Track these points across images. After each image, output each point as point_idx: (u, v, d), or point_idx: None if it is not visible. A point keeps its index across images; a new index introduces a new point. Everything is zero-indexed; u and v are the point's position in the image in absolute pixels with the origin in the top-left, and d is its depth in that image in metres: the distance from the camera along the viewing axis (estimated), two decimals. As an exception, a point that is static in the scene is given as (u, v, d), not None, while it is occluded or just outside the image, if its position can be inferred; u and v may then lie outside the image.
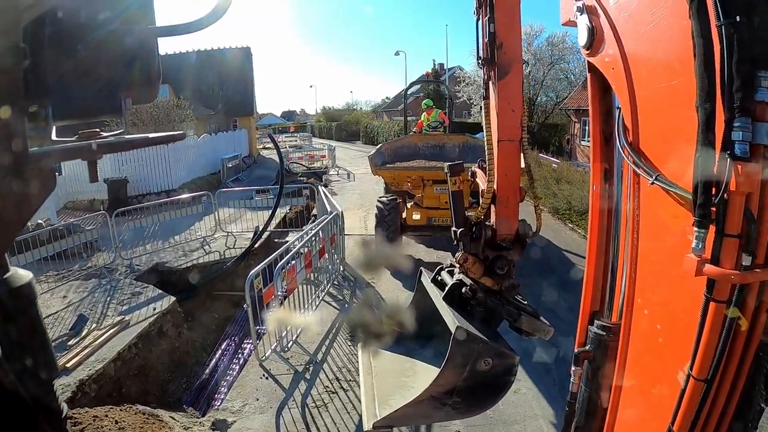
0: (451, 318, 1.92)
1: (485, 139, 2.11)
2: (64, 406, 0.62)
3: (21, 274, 0.58)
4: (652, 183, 1.33)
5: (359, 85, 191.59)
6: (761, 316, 1.10)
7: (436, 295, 2.15)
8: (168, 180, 15.39)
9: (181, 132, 0.93)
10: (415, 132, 10.31)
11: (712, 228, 1.08)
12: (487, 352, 1.81)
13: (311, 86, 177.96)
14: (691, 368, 1.17)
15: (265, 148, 34.18)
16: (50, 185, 0.56)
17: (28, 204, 0.55)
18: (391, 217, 7.87)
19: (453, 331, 1.82)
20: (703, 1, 1.04)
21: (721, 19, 0.99)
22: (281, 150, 12.58)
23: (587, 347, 1.83)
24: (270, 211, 10.14)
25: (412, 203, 8.08)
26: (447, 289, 2.08)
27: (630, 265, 1.60)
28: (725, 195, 1.04)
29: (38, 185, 0.54)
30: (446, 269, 2.26)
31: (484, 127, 2.15)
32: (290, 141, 36.78)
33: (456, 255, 2.13)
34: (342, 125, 49.66)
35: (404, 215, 8.06)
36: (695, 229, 1.09)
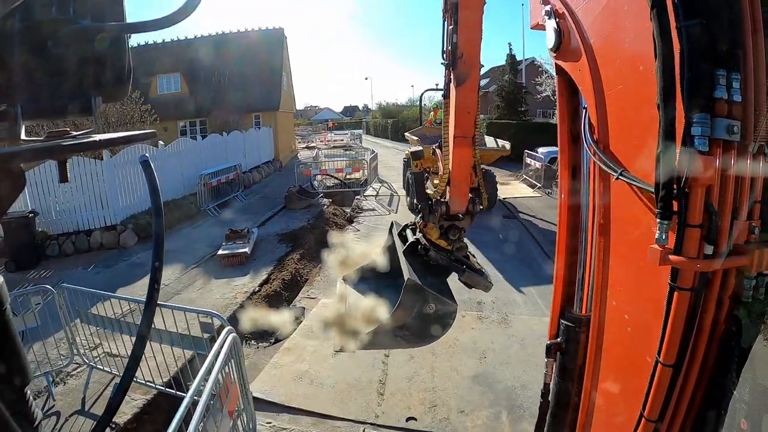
0: (406, 269, 2.32)
1: (442, 134, 2.43)
2: (38, 413, 0.59)
3: None
4: (617, 178, 1.39)
5: (421, 80, 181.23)
6: (724, 303, 1.17)
7: (400, 248, 2.60)
8: (104, 212, 9.85)
9: (153, 130, 0.90)
10: (426, 125, 15.13)
11: (675, 220, 1.13)
12: (431, 299, 2.22)
13: (366, 78, 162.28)
14: (659, 354, 1.22)
15: (308, 147, 28.48)
16: (19, 186, 0.53)
17: None
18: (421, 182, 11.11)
19: (405, 281, 2.22)
20: (663, 4, 1.09)
21: (682, 21, 1.05)
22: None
23: (559, 339, 1.89)
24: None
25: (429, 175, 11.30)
26: (407, 244, 2.55)
27: (598, 258, 1.67)
28: (686, 188, 1.10)
29: (7, 186, 0.52)
30: (410, 227, 2.72)
31: (443, 123, 2.44)
32: (337, 139, 31.03)
33: (417, 220, 2.60)
34: (399, 122, 40.04)
35: (427, 184, 11.45)
36: (658, 220, 1.15)
